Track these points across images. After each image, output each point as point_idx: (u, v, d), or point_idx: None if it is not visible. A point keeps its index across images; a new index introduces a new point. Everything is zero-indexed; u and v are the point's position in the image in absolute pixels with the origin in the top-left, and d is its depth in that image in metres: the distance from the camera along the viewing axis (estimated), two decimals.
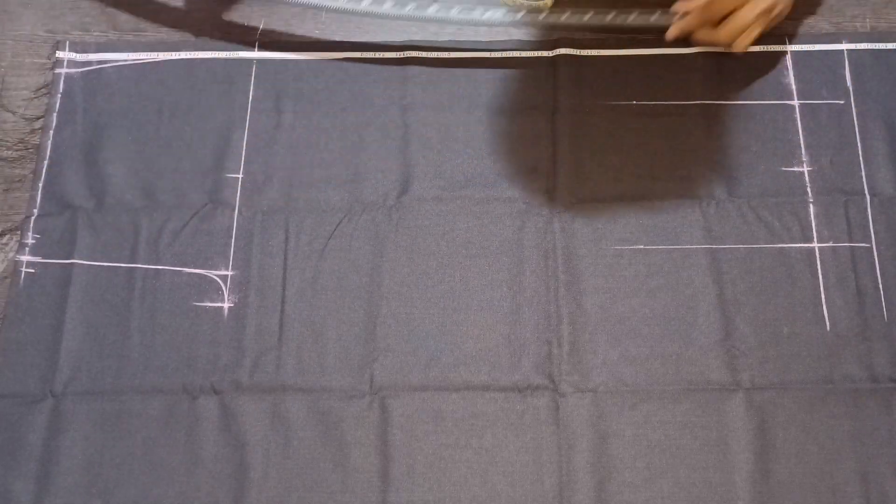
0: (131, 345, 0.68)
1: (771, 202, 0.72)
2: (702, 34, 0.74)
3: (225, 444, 0.65)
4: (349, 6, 0.72)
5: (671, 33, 0.74)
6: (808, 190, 0.72)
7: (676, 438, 0.65)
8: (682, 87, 0.76)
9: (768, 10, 0.72)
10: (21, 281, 0.70)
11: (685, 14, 0.73)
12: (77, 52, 0.79)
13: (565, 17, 0.71)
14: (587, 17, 0.72)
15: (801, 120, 0.75)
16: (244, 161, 0.74)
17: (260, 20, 0.80)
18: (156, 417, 0.66)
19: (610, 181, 0.73)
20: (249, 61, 0.78)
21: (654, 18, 0.75)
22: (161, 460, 0.65)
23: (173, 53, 0.78)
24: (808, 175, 0.73)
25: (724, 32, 0.73)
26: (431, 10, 0.72)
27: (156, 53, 0.78)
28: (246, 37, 0.79)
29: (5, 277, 0.71)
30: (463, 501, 0.63)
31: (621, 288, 0.69)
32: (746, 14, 0.72)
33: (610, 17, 0.74)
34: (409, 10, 0.73)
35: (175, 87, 0.77)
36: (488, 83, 0.77)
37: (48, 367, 0.67)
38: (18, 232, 0.72)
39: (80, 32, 0.80)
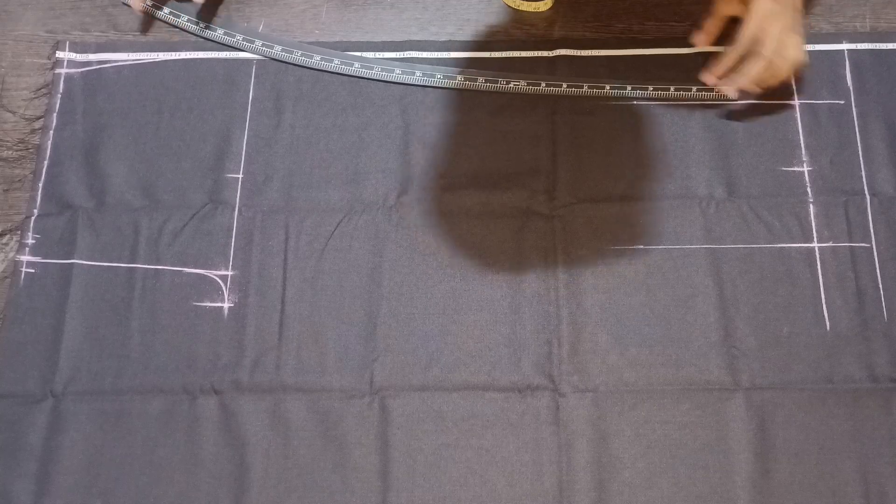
0: (131, 345, 0.68)
1: (771, 202, 0.72)
2: (763, 75, 0.71)
3: (225, 444, 0.65)
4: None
5: (707, 78, 0.75)
6: (808, 190, 0.72)
7: (676, 438, 0.65)
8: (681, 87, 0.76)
9: (797, 8, 0.70)
10: (21, 281, 0.70)
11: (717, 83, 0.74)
12: (77, 52, 0.79)
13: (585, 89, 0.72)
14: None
15: (801, 120, 0.75)
16: (244, 161, 0.74)
17: (260, 20, 0.80)
18: (156, 417, 0.66)
19: (610, 181, 0.73)
20: (249, 61, 0.78)
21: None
22: (161, 460, 0.65)
23: (173, 53, 0.78)
24: (808, 175, 0.73)
25: (767, 52, 0.70)
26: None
27: (156, 53, 0.78)
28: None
29: (5, 277, 0.71)
30: (463, 501, 0.63)
31: (621, 288, 0.69)
32: (772, 30, 0.69)
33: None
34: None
35: (175, 87, 0.77)
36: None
37: (48, 367, 0.67)
38: (18, 232, 0.72)
39: (80, 32, 0.80)
